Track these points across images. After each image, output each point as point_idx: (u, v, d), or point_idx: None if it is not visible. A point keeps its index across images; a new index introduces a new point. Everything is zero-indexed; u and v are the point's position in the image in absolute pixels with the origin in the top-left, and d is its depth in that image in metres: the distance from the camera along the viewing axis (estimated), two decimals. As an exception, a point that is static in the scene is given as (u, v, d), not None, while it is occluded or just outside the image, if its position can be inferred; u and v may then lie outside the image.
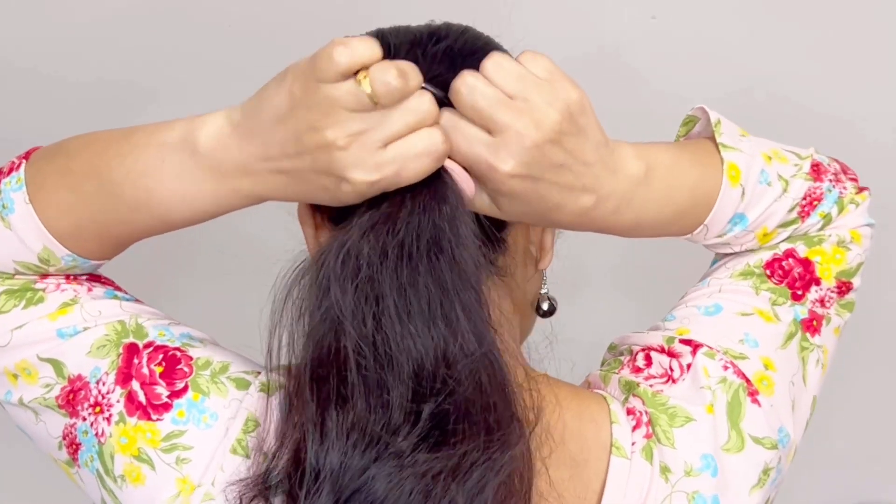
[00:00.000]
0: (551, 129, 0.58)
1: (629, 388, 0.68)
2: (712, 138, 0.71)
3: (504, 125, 0.57)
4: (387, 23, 0.71)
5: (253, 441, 0.61)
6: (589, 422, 0.66)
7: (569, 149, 0.59)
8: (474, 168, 0.59)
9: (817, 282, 0.71)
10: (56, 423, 0.64)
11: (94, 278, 0.69)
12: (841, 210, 0.72)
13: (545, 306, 0.74)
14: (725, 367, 0.67)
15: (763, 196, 0.70)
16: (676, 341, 0.69)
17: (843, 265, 0.72)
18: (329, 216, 0.66)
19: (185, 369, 0.63)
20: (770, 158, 0.71)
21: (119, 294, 0.68)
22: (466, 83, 0.58)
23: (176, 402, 0.62)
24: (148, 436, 0.61)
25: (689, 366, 0.67)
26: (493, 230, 0.64)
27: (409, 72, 0.56)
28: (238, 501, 0.59)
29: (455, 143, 0.58)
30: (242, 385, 0.63)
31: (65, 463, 0.65)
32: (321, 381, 0.57)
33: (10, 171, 0.65)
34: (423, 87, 0.58)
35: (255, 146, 0.59)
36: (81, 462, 0.63)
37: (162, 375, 0.62)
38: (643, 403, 0.66)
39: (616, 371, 0.70)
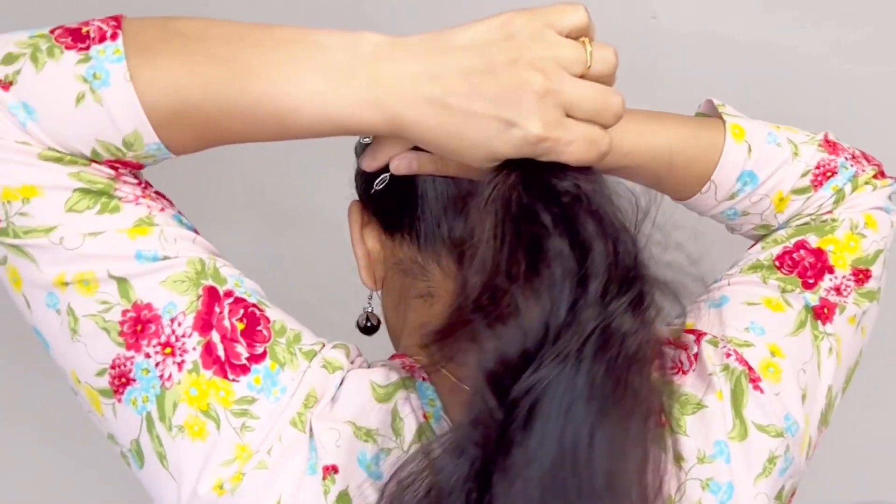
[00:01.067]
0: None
1: None
2: (718, 117, 0.72)
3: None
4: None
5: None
6: None
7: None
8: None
9: (830, 270, 0.70)
10: (106, 348, 0.58)
11: (160, 194, 0.63)
12: (855, 188, 0.72)
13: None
14: (728, 355, 0.68)
15: (772, 156, 0.71)
16: (681, 332, 0.69)
17: (859, 252, 0.71)
18: (379, 217, 0.69)
19: (265, 332, 0.60)
20: (779, 127, 0.73)
21: (184, 220, 0.63)
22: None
23: (254, 366, 0.59)
24: (221, 394, 0.58)
25: (695, 355, 0.68)
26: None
27: (617, 59, 0.58)
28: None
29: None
30: (310, 357, 0.61)
31: (97, 390, 0.59)
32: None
33: (103, 38, 0.56)
34: None
35: (426, 64, 0.56)
36: (126, 399, 0.58)
37: (243, 333, 0.59)
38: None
39: None
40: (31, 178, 0.56)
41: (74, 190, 0.57)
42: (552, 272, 0.53)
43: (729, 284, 0.73)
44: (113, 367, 0.58)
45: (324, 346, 0.63)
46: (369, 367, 0.65)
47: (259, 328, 0.60)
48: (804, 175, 0.72)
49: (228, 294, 0.60)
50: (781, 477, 0.67)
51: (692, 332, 0.70)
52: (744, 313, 0.70)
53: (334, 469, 0.59)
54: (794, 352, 0.69)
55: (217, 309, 0.59)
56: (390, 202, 0.71)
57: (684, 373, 0.68)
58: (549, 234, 0.54)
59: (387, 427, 0.61)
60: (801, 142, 0.72)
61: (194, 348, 0.58)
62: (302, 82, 0.56)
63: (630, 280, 0.55)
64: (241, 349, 0.59)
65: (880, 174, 0.74)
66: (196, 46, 0.56)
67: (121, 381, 0.58)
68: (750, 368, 0.67)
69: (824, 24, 1.22)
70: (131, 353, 0.57)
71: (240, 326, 0.59)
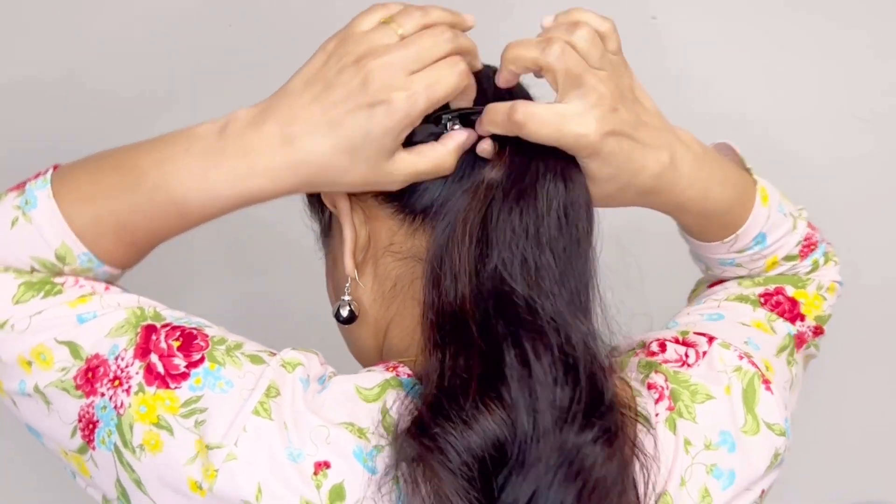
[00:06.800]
0: (628, 90, 0.66)
1: (650, 367, 0.70)
2: (740, 166, 0.78)
3: (590, 88, 0.63)
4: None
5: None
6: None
7: (638, 110, 0.66)
8: (563, 143, 0.64)
9: (802, 318, 0.79)
10: (70, 407, 0.64)
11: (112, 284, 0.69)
12: (826, 262, 0.82)
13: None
14: (741, 357, 0.71)
15: (780, 225, 0.78)
16: (691, 333, 0.73)
17: (820, 311, 0.80)
18: (400, 201, 0.69)
19: (202, 343, 0.64)
20: (782, 195, 0.80)
21: (130, 292, 0.68)
22: (561, 47, 0.63)
23: (193, 371, 0.62)
24: (167, 403, 0.61)
25: (704, 353, 0.71)
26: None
27: (431, 10, 0.64)
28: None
29: (536, 130, 0.63)
30: (257, 360, 0.64)
31: (77, 451, 0.64)
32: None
33: (38, 175, 0.67)
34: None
35: (285, 110, 0.63)
36: (97, 441, 0.63)
37: (179, 348, 0.63)
38: (665, 380, 0.69)
39: (631, 357, 0.73)
40: None
41: (19, 285, 0.65)
42: (515, 382, 0.60)
43: (719, 307, 0.78)
44: (80, 420, 0.63)
45: (274, 354, 0.65)
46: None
47: (196, 341, 0.64)
48: (796, 245, 0.79)
49: (165, 325, 0.65)
50: (776, 474, 0.71)
51: (703, 334, 0.73)
52: (739, 329, 0.75)
53: (326, 465, 0.60)
54: (779, 371, 0.74)
55: (154, 337, 0.64)
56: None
57: (689, 366, 0.71)
58: (508, 346, 0.61)
59: (377, 425, 0.62)
60: (796, 216, 0.80)
61: (137, 372, 0.62)
62: (187, 171, 0.64)
63: (600, 412, 0.61)
64: (179, 361, 0.63)
65: (835, 253, 0.83)
66: (102, 163, 0.66)
67: (89, 428, 0.63)
68: (760, 371, 0.71)
69: (824, 25, 1.22)
70: (90, 398, 0.63)
71: (175, 344, 0.63)
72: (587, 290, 0.65)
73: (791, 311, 0.78)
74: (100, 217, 0.65)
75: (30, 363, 0.64)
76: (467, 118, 0.67)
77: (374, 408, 0.63)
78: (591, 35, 0.64)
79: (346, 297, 0.72)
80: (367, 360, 0.75)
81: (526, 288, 0.63)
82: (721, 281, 0.82)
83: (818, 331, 0.80)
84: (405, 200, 0.69)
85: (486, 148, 0.67)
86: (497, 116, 0.65)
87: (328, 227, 0.76)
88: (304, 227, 0.79)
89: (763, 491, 0.70)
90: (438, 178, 0.67)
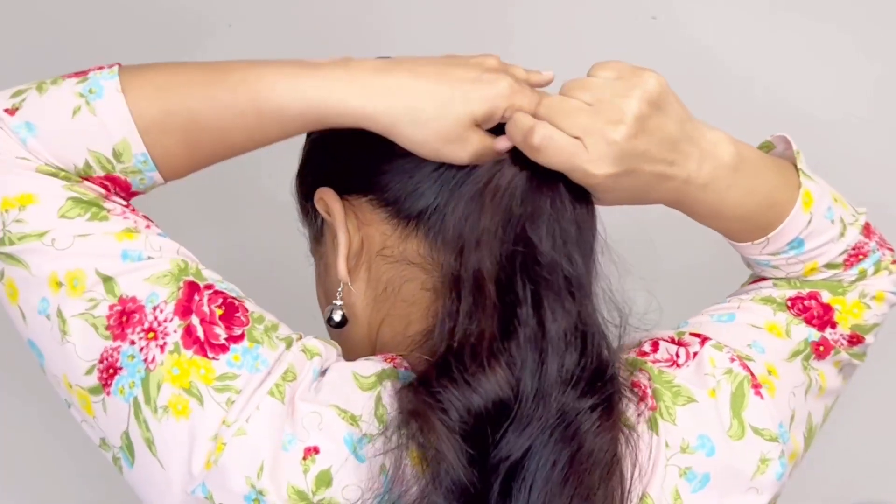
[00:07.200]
0: (633, 119, 0.63)
1: (634, 365, 0.70)
2: (793, 163, 0.75)
3: (587, 128, 0.63)
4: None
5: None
6: None
7: (652, 131, 0.64)
8: (573, 175, 0.65)
9: (833, 325, 0.75)
10: (93, 345, 0.61)
11: (147, 217, 0.67)
12: (877, 271, 0.77)
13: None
14: (732, 360, 0.70)
15: (825, 231, 0.74)
16: (686, 334, 0.73)
17: (860, 320, 0.76)
18: (389, 206, 0.70)
19: (243, 318, 0.63)
20: (836, 200, 0.76)
21: (169, 238, 0.67)
22: (552, 102, 0.64)
23: (233, 346, 0.62)
24: (202, 371, 0.61)
25: (695, 354, 0.71)
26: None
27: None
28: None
29: (550, 156, 0.64)
30: (288, 343, 0.64)
31: (87, 390, 0.62)
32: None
33: (102, 67, 0.65)
34: None
35: (399, 63, 0.65)
36: (114, 389, 0.61)
37: (222, 318, 0.62)
38: (649, 379, 0.69)
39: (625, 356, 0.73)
40: (28, 188, 0.62)
41: (68, 199, 0.62)
42: (521, 338, 0.62)
43: (738, 308, 0.76)
44: (101, 361, 0.61)
45: (301, 336, 0.65)
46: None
47: (237, 315, 0.63)
48: (841, 254, 0.75)
49: (209, 287, 0.63)
50: (779, 481, 0.69)
51: (697, 335, 0.72)
52: (748, 333, 0.74)
53: (315, 450, 0.61)
54: (787, 374, 0.73)
55: (196, 297, 0.62)
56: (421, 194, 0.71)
57: (678, 366, 0.70)
58: (522, 305, 0.63)
59: (370, 414, 0.62)
60: (848, 223, 0.76)
61: (175, 331, 0.61)
62: (274, 70, 0.63)
63: (601, 383, 0.63)
64: (220, 331, 0.62)
65: (894, 261, 0.79)
66: (183, 64, 0.65)
67: (108, 372, 0.61)
68: (752, 375, 0.70)
69: (824, 25, 1.22)
70: (117, 343, 0.61)
71: (218, 312, 0.62)
72: (594, 268, 0.67)
73: (821, 318, 0.75)
74: (171, 110, 0.63)
75: (60, 284, 0.61)
76: None
77: (368, 396, 0.63)
78: (576, 79, 0.65)
79: (338, 302, 0.73)
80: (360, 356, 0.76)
81: (551, 249, 0.64)
82: (764, 278, 0.80)
83: (854, 339, 0.76)
84: (399, 205, 0.69)
85: (501, 146, 0.67)
86: (516, 133, 0.65)
87: (320, 233, 0.76)
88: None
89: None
90: (434, 184, 0.68)
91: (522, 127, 0.64)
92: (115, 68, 0.64)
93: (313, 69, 0.64)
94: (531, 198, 0.65)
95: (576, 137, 0.63)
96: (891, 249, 0.79)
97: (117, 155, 0.63)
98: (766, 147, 0.79)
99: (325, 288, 0.76)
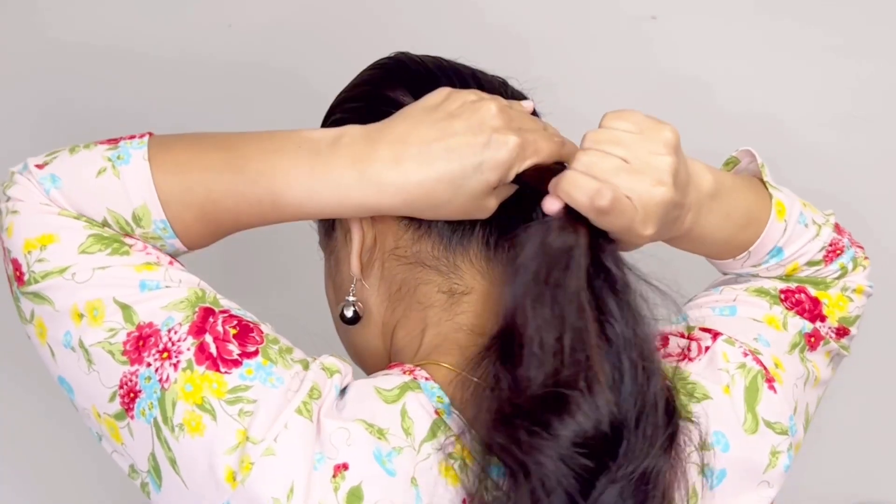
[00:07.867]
0: (671, 178, 0.63)
1: None
2: (758, 178, 0.77)
3: (634, 189, 0.62)
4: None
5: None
6: None
7: (680, 184, 0.64)
8: (624, 235, 0.64)
9: (822, 318, 0.78)
10: (113, 371, 0.63)
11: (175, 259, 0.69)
12: (855, 267, 0.80)
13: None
14: (745, 354, 0.71)
15: (801, 236, 0.76)
16: (697, 329, 0.73)
17: (845, 312, 0.79)
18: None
19: (257, 338, 0.63)
20: (805, 205, 0.78)
21: (190, 273, 0.68)
22: (592, 160, 0.63)
23: (246, 361, 0.62)
24: (214, 386, 0.61)
25: (707, 348, 0.72)
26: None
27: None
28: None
29: (615, 218, 0.62)
30: (304, 364, 0.64)
31: (113, 417, 0.63)
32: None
33: (132, 137, 0.67)
34: None
35: (401, 130, 0.65)
36: (137, 412, 0.62)
37: (236, 336, 0.63)
38: (664, 378, 0.68)
39: None
40: (49, 228, 0.64)
41: (89, 236, 0.64)
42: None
43: (735, 301, 0.77)
44: (121, 386, 0.62)
45: (316, 358, 0.65)
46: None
47: (252, 335, 0.64)
48: (820, 251, 0.78)
49: (224, 311, 0.64)
50: (786, 473, 0.71)
51: (709, 330, 0.73)
52: (752, 326, 0.75)
53: (345, 467, 0.60)
54: (790, 367, 0.74)
55: (211, 319, 0.63)
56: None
57: (690, 360, 0.71)
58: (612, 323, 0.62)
59: (397, 426, 0.62)
60: (821, 223, 0.78)
61: (188, 349, 0.62)
62: (290, 165, 0.65)
63: (665, 422, 0.62)
64: (233, 347, 0.62)
65: (865, 257, 0.82)
66: (202, 141, 0.67)
67: (129, 396, 0.62)
68: (766, 369, 0.71)
69: (824, 25, 1.22)
70: (135, 367, 0.62)
71: (232, 331, 0.63)
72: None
73: (812, 311, 0.77)
74: (191, 189, 0.65)
75: (81, 316, 0.63)
76: (541, 172, 0.66)
77: (393, 409, 0.63)
78: (599, 133, 0.64)
79: (351, 298, 0.73)
80: (371, 361, 0.75)
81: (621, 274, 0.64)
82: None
83: (841, 331, 0.79)
84: None
85: (554, 209, 0.64)
86: (578, 196, 0.62)
87: (331, 227, 0.76)
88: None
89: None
90: None
91: (587, 190, 0.62)
92: (146, 138, 0.66)
93: (325, 169, 0.64)
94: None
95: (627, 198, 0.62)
96: (860, 247, 0.82)
97: (137, 219, 0.65)
98: (733, 162, 0.80)
99: (336, 284, 0.76)
